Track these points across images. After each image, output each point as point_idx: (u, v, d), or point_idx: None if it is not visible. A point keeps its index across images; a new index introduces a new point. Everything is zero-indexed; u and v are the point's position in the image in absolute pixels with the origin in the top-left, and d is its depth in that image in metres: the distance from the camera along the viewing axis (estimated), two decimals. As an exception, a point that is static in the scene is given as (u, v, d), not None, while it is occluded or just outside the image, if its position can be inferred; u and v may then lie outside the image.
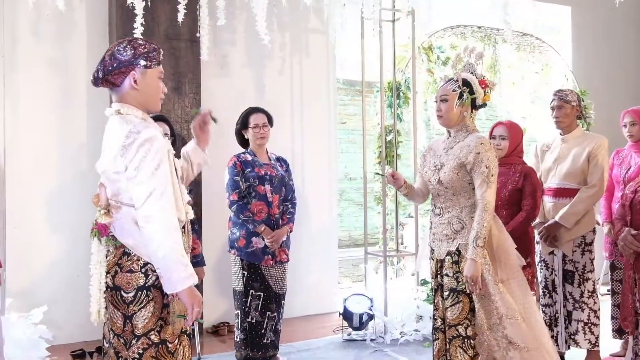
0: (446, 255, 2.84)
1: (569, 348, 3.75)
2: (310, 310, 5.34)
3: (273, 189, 3.89)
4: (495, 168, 2.80)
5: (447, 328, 2.81)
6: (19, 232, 4.18)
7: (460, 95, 2.85)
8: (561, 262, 3.69)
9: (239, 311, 3.87)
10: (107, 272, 2.11)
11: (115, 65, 2.13)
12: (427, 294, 4.67)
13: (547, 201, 3.75)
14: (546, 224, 3.67)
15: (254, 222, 3.80)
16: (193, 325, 4.28)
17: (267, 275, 3.86)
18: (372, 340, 4.47)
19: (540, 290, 3.81)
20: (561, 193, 3.68)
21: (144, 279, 2.09)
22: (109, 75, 2.14)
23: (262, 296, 3.84)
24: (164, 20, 4.57)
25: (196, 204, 4.71)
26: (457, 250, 2.80)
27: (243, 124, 3.98)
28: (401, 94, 5.49)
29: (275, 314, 3.89)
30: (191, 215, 2.33)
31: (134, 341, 2.08)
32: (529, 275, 3.48)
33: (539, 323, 2.83)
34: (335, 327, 4.74)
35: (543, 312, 3.80)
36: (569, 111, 3.71)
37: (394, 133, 5.39)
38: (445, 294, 2.82)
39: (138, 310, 2.08)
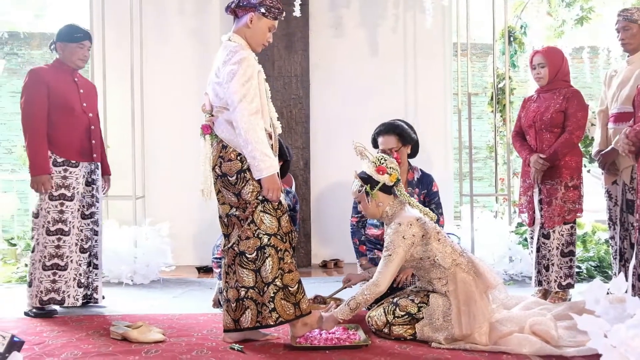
0: None
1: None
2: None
3: None
4: None
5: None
6: (157, 167, 5.21)
7: None
8: (621, 191, 3.47)
9: None
10: (215, 165, 2.75)
11: (244, 2, 2.78)
12: (520, 240, 4.64)
13: (610, 127, 3.55)
14: (603, 151, 3.49)
15: None
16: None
17: None
18: (457, 276, 4.59)
19: (607, 222, 3.64)
20: (621, 118, 3.44)
21: (240, 164, 2.71)
22: (237, 7, 2.81)
23: None
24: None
25: (305, 147, 5.32)
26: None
27: (373, 142, 3.73)
28: (515, 40, 5.38)
29: None
30: (279, 130, 2.91)
31: (247, 205, 2.73)
32: (576, 197, 3.48)
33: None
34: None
35: (609, 245, 3.62)
36: (635, 31, 3.44)
37: (506, 80, 5.31)
38: None
39: (242, 188, 2.72)
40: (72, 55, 3.48)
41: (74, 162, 3.45)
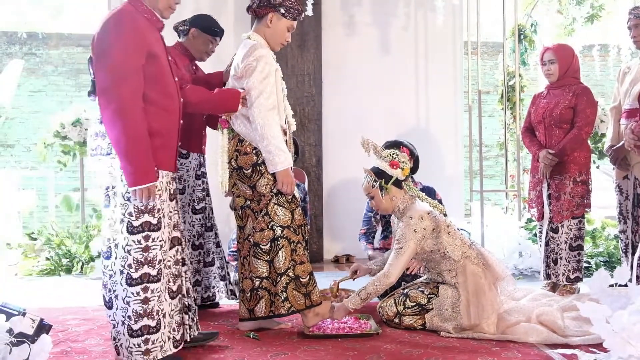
0: None
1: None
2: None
3: None
4: None
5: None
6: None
7: None
8: (632, 186, 3.52)
9: None
10: (231, 159, 2.85)
11: (265, 3, 2.86)
12: (530, 236, 4.69)
13: (622, 123, 3.60)
14: (615, 147, 3.55)
15: None
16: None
17: None
18: (466, 271, 4.66)
19: (617, 217, 3.70)
20: (633, 114, 3.49)
21: (256, 158, 2.81)
22: (257, 7, 2.89)
23: None
24: (290, -11, 5.34)
25: (318, 145, 5.42)
26: None
27: None
28: (525, 38, 5.44)
29: None
30: (294, 128, 3.00)
31: (261, 197, 2.84)
32: (584, 193, 3.55)
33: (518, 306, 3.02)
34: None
35: (619, 239, 3.68)
36: (647, 29, 3.50)
37: (516, 78, 5.37)
38: None
39: (257, 180, 2.82)
40: (201, 45, 3.40)
41: (184, 152, 3.28)
